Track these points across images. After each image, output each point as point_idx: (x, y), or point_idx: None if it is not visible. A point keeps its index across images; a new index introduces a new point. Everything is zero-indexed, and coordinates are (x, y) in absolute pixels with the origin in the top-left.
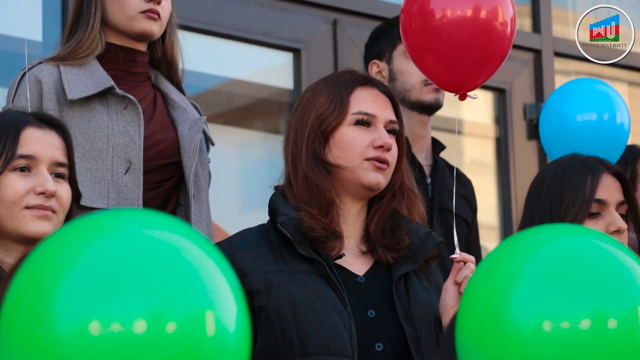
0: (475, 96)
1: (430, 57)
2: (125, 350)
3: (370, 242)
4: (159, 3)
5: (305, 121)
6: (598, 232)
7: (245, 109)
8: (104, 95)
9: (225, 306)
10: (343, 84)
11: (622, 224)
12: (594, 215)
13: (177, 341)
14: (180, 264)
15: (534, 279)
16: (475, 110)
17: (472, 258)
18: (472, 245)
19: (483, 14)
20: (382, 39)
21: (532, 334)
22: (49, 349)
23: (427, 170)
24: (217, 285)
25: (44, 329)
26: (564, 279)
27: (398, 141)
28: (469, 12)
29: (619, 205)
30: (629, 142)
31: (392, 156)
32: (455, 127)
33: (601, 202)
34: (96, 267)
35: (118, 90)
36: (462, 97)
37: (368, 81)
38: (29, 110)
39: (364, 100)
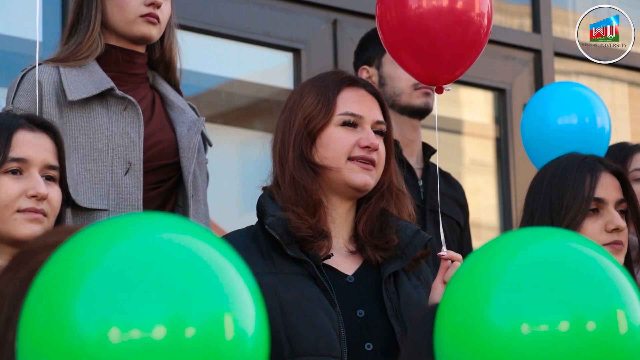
0: (449, 88)
1: (406, 49)
2: (145, 356)
3: (359, 241)
4: (158, 7)
5: (293, 122)
6: (578, 235)
7: (245, 109)
8: (103, 96)
9: (244, 309)
10: (330, 85)
11: (622, 222)
12: (594, 214)
13: (196, 346)
14: (198, 268)
15: (513, 281)
16: (475, 110)
17: (459, 257)
18: (464, 247)
19: (459, 4)
20: (372, 44)
21: (510, 336)
22: (69, 356)
23: (418, 173)
24: (235, 288)
25: (63, 336)
26: (543, 282)
27: (386, 141)
28: (445, 3)
29: (618, 204)
30: (630, 142)
31: (380, 156)
32: (436, 123)
33: (600, 201)
34: (114, 273)
35: (118, 92)
36: (439, 90)
37: (355, 82)
38: (30, 112)
39: (351, 101)
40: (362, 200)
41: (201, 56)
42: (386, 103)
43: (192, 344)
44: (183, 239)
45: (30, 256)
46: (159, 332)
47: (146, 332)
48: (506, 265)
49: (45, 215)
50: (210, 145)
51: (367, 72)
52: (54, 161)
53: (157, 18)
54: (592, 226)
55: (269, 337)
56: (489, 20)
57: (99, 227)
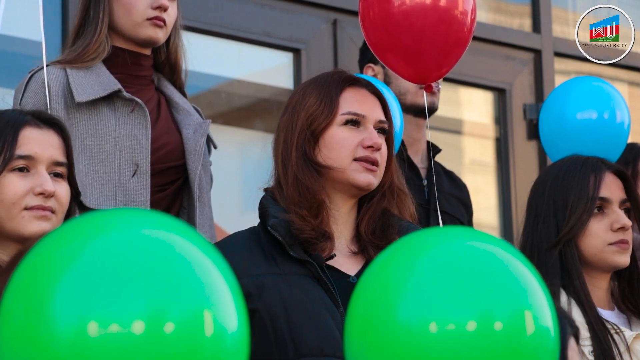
0: (439, 86)
1: (391, 49)
2: (124, 351)
3: (361, 242)
4: (165, 10)
5: (295, 122)
6: (488, 235)
7: (245, 109)
8: (110, 98)
9: (224, 306)
10: (332, 85)
11: (627, 221)
12: (599, 213)
13: (175, 341)
14: (178, 264)
15: (421, 280)
16: (475, 110)
17: None
18: None
19: (443, 2)
20: None
21: (418, 335)
22: (46, 350)
23: (423, 172)
24: (215, 285)
25: (41, 330)
26: (452, 281)
27: (387, 141)
28: (429, 0)
29: (621, 203)
30: (629, 141)
31: (382, 156)
32: (425, 123)
33: (605, 200)
34: (93, 267)
35: (125, 94)
36: (428, 89)
37: (357, 81)
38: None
39: (353, 101)
40: (364, 201)
41: (201, 56)
42: (387, 102)
43: (171, 339)
44: (163, 235)
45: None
46: (138, 327)
47: (125, 327)
48: (415, 265)
49: (53, 212)
50: (215, 147)
51: (372, 71)
52: (61, 157)
53: (164, 21)
54: (598, 225)
55: (249, 334)
56: (473, 18)
57: (80, 221)
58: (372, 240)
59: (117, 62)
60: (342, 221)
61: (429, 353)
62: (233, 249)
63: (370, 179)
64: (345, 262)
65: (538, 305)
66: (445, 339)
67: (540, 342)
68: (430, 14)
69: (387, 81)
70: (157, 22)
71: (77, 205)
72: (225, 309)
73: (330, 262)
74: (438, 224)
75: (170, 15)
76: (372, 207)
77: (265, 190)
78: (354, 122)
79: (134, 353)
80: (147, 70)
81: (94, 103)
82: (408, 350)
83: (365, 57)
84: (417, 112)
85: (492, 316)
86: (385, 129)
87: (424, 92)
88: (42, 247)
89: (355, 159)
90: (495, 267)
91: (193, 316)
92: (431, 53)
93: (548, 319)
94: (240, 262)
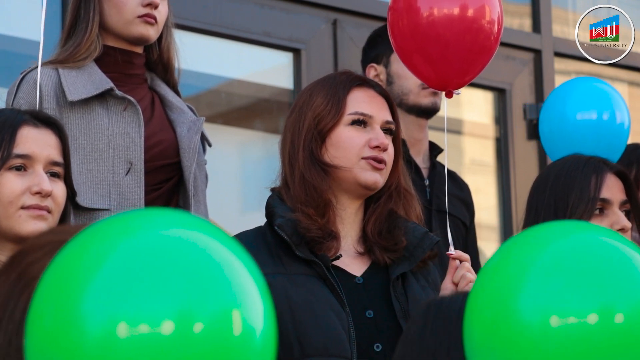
0: (459, 92)
1: (417, 55)
2: (153, 351)
3: (367, 243)
4: (155, 7)
5: (302, 122)
6: (604, 228)
7: (245, 109)
8: (103, 97)
9: (252, 305)
10: (339, 85)
11: (627, 223)
12: (599, 214)
13: (204, 341)
14: (206, 263)
15: (541, 275)
16: (475, 110)
17: (467, 257)
18: (469, 247)
19: (470, 12)
20: (380, 42)
21: (539, 329)
22: (76, 351)
23: (425, 172)
24: (243, 285)
25: (71, 331)
26: (571, 275)
27: (394, 142)
28: (456, 11)
29: (621, 205)
30: (629, 142)
31: (389, 156)
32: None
33: (606, 201)
34: (122, 268)
35: (117, 92)
36: (449, 95)
37: (364, 82)
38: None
39: (360, 101)
40: (371, 201)
41: (201, 56)
42: (395, 104)
43: (200, 339)
44: (191, 235)
45: (22, 258)
46: (167, 327)
47: (154, 327)
48: (534, 260)
49: (49, 211)
50: (210, 145)
51: (375, 70)
52: (58, 157)
53: (155, 18)
54: None
55: (277, 334)
56: (500, 26)
57: (107, 222)
58: (378, 241)
59: (109, 61)
60: (348, 221)
61: (550, 346)
62: None
63: (377, 178)
64: (351, 262)
65: None
66: (566, 332)
67: None
68: (456, 24)
69: (389, 81)
70: (148, 19)
71: (72, 206)
72: (253, 308)
73: (336, 263)
74: (442, 224)
75: (161, 13)
76: (378, 208)
77: (272, 189)
78: (361, 122)
79: (163, 353)
80: (139, 68)
81: (86, 102)
82: (529, 344)
83: (368, 57)
84: (419, 112)
85: (613, 308)
86: (392, 130)
87: (426, 93)
88: (70, 249)
89: (363, 158)
90: (615, 260)
91: (222, 316)
92: (455, 61)
93: None
94: None
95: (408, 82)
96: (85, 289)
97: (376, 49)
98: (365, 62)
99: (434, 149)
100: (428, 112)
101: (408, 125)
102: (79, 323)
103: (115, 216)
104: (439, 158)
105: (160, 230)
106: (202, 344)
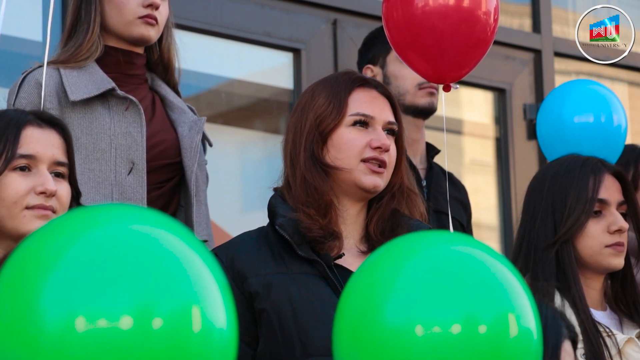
0: (457, 86)
1: (413, 47)
2: (112, 346)
3: (370, 242)
4: (156, 8)
5: (304, 122)
6: (473, 239)
7: (245, 109)
8: (104, 97)
9: (212, 302)
10: (341, 85)
11: (624, 224)
12: (596, 215)
13: (163, 337)
14: (167, 259)
15: (408, 284)
16: (475, 110)
17: None
18: None
19: (466, 2)
20: (376, 43)
21: (405, 337)
22: (34, 345)
23: (422, 173)
24: (203, 281)
25: (29, 325)
26: (437, 285)
27: (397, 142)
28: (452, 1)
29: (619, 205)
30: (629, 142)
31: (391, 157)
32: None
33: (603, 202)
34: (81, 263)
35: (119, 92)
36: (446, 89)
37: (366, 82)
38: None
39: (362, 102)
40: (374, 201)
41: (201, 56)
42: (398, 104)
43: (159, 335)
44: (152, 231)
45: None
46: (125, 322)
47: (113, 322)
48: (402, 269)
49: (54, 211)
50: (211, 145)
51: (371, 72)
52: (62, 157)
53: (155, 19)
54: (595, 227)
55: (237, 330)
56: (496, 18)
57: (68, 216)
58: (381, 240)
59: (110, 61)
60: (350, 222)
61: (414, 355)
62: (241, 249)
63: (377, 181)
64: (354, 261)
65: (521, 308)
66: (431, 341)
67: (523, 345)
68: (451, 15)
69: (386, 82)
70: (149, 20)
71: (77, 206)
72: (213, 305)
73: (339, 262)
74: (440, 225)
75: (162, 14)
76: (381, 208)
77: (275, 189)
78: (363, 123)
79: (121, 348)
80: (140, 69)
81: (88, 102)
82: (394, 352)
83: (365, 58)
84: (416, 112)
85: (476, 319)
86: (394, 131)
87: (423, 94)
88: (29, 243)
89: (363, 160)
90: (481, 271)
91: (181, 312)
92: (451, 53)
93: (531, 321)
94: (249, 262)
95: (405, 82)
96: (43, 283)
97: (372, 50)
98: (361, 64)
99: (431, 150)
100: (425, 112)
101: (405, 125)
102: (37, 317)
103: (77, 210)
104: (439, 159)
105: (121, 225)
106: (161, 340)
